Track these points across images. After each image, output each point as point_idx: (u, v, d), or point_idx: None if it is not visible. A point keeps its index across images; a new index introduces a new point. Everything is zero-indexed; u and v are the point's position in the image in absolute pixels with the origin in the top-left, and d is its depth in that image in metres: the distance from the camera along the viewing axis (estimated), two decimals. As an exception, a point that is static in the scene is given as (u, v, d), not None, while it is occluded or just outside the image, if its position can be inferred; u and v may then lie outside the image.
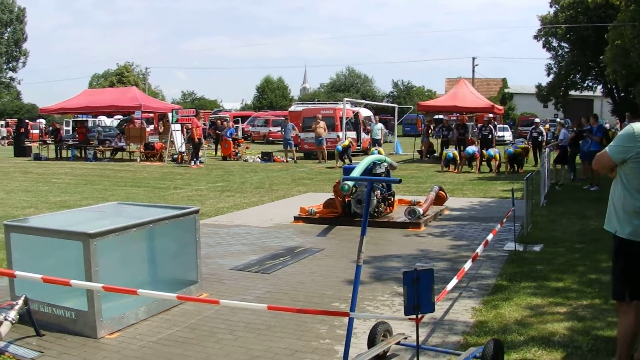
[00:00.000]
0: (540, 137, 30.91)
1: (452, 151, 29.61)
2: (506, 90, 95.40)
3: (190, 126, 34.74)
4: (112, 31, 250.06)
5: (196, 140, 33.79)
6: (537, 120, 33.30)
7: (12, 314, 7.01)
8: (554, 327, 7.23)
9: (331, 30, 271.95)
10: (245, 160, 37.01)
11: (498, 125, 42.75)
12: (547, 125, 46.90)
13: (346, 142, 32.92)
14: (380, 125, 42.73)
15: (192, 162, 33.54)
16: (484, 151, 29.40)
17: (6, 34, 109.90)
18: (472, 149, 29.22)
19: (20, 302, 7.18)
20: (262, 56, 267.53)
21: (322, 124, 35.33)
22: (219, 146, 41.31)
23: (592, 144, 21.23)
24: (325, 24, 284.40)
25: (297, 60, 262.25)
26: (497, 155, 28.39)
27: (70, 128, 58.11)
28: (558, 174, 22.91)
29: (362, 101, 58.04)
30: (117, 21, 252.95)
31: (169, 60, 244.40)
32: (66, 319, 7.40)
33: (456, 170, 28.70)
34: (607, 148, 5.82)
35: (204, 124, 41.93)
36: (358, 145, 40.06)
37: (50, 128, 49.92)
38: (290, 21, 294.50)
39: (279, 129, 50.48)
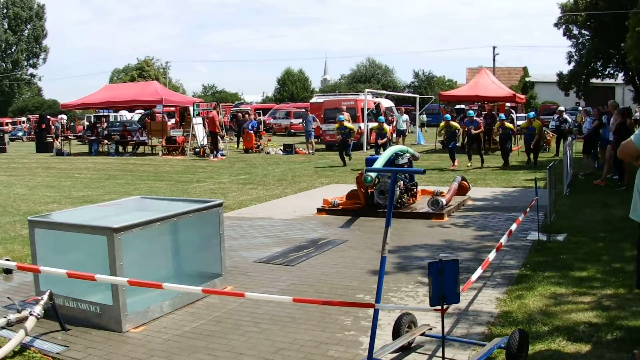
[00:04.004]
0: (563, 125, 30.56)
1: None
2: (527, 79, 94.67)
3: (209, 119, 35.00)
4: (131, 25, 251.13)
5: (216, 132, 33.98)
6: (561, 108, 33.00)
7: (38, 309, 7.06)
8: (578, 317, 7.20)
9: (350, 20, 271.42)
10: (267, 153, 37.03)
11: (519, 115, 42.35)
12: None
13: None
14: (405, 116, 42.65)
15: (212, 155, 33.66)
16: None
17: (26, 31, 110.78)
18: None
19: (45, 297, 7.23)
20: (282, 48, 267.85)
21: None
22: (240, 139, 41.37)
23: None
24: (345, 14, 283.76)
25: (318, 51, 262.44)
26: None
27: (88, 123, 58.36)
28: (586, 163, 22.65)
29: (383, 92, 57.98)
30: (136, 15, 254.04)
31: (189, 54, 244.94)
32: (91, 314, 7.44)
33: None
34: (632, 137, 5.75)
35: (222, 115, 41.94)
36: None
37: (87, 124, 50.35)
38: (310, 12, 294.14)
39: (300, 120, 50.49)
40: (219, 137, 35.31)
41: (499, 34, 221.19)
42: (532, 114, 28.57)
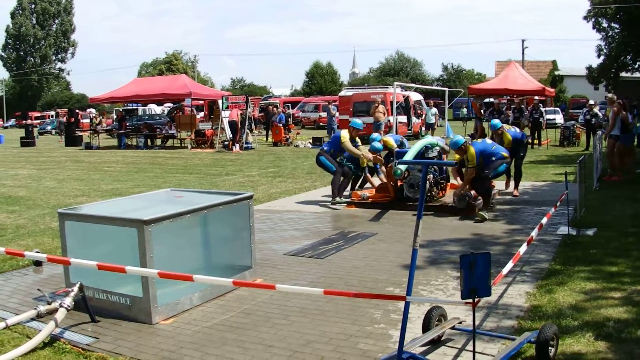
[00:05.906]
0: (593, 119, 30.28)
1: None
2: (556, 73, 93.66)
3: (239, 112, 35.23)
4: (158, 20, 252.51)
5: (238, 125, 34.33)
6: (591, 102, 32.72)
7: (68, 301, 7.10)
8: (608, 312, 7.14)
9: (377, 14, 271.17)
10: (296, 146, 36.98)
11: (548, 108, 42.03)
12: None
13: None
14: (434, 110, 42.42)
15: (234, 147, 33.98)
16: None
17: (54, 26, 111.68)
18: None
19: (76, 289, 7.27)
20: (310, 42, 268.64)
21: (381, 108, 34.02)
22: (269, 132, 41.45)
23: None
24: (372, 8, 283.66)
25: (346, 45, 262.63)
26: None
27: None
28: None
29: (412, 85, 57.79)
30: (162, 10, 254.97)
31: (218, 48, 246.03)
32: (121, 305, 7.48)
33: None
34: None
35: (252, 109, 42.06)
36: (409, 130, 39.93)
37: (116, 116, 50.62)
38: (335, 6, 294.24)
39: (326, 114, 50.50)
40: (247, 130, 35.49)
41: (526, 27, 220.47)
42: (454, 137, 13.24)
